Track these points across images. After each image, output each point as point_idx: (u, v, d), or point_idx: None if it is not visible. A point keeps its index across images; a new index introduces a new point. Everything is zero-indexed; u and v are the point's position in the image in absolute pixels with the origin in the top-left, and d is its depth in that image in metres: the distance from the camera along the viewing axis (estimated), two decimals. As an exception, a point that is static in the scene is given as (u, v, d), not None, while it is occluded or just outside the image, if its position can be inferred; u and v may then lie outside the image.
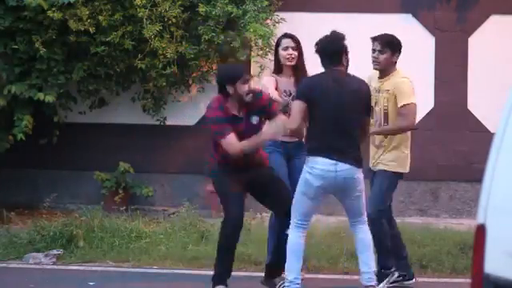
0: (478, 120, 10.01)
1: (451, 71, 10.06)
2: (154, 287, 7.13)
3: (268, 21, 9.63)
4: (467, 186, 10.02)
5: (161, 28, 9.37)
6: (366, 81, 6.31)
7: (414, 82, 6.68)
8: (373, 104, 6.39)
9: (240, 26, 9.42)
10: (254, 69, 9.60)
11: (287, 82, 6.76)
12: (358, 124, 6.03)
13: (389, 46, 6.51)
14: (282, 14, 9.79)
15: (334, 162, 5.84)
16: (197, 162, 10.11)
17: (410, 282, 6.73)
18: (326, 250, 7.81)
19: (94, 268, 7.69)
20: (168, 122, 10.22)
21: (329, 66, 6.04)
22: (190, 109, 10.27)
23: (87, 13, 9.34)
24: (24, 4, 9.22)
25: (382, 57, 6.50)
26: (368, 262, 6.08)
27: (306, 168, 5.96)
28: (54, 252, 7.97)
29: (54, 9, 9.23)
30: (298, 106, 6.00)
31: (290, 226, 6.06)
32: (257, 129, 6.22)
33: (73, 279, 7.25)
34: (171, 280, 7.20)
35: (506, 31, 9.98)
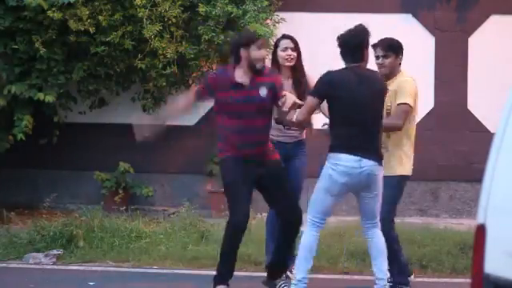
0: (478, 120, 10.02)
1: (451, 71, 10.07)
2: (154, 287, 7.13)
3: (268, 21, 9.63)
4: (467, 186, 10.03)
5: (161, 28, 9.37)
6: None
7: (414, 82, 6.67)
8: None
9: (240, 26, 9.41)
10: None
11: (285, 84, 6.75)
12: (379, 121, 6.02)
13: (391, 49, 6.50)
14: (281, 14, 9.80)
15: (358, 158, 5.79)
16: (197, 162, 10.13)
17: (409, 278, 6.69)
18: (326, 249, 7.80)
19: (94, 268, 7.69)
20: (168, 122, 10.21)
21: (350, 61, 5.96)
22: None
23: (87, 13, 9.34)
24: (24, 4, 9.21)
25: (387, 61, 6.48)
26: (382, 268, 5.99)
27: (328, 165, 5.88)
28: (54, 252, 7.97)
29: (54, 9, 9.23)
30: (310, 101, 5.95)
31: (306, 224, 6.01)
32: (264, 104, 6.13)
33: (73, 279, 7.25)
34: (171, 280, 7.20)
35: (506, 31, 9.99)
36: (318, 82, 6.01)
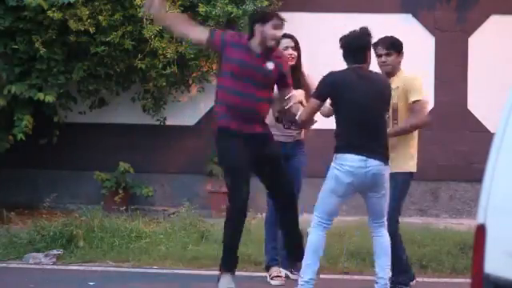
0: (477, 120, 10.02)
1: (451, 71, 10.07)
2: (154, 287, 7.12)
3: (268, 21, 9.62)
4: (467, 186, 10.03)
5: (161, 28, 9.37)
6: None
7: (414, 82, 6.68)
8: None
9: (240, 26, 9.41)
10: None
11: None
12: (384, 120, 6.02)
13: (393, 47, 6.52)
14: (281, 14, 9.77)
15: (363, 158, 5.79)
16: (197, 162, 10.13)
17: (411, 283, 6.70)
18: (325, 250, 7.76)
19: (94, 268, 7.69)
20: (168, 122, 10.23)
21: (352, 62, 5.96)
22: (190, 109, 10.28)
23: (87, 13, 9.34)
24: (24, 4, 9.21)
25: (390, 59, 6.50)
26: (385, 267, 5.99)
27: (333, 165, 5.89)
28: (54, 252, 7.96)
29: (54, 9, 9.22)
30: (312, 103, 5.99)
31: (312, 224, 5.99)
32: (268, 77, 6.18)
33: (73, 279, 7.24)
34: (171, 280, 7.20)
35: (506, 31, 9.99)
36: (320, 83, 6.02)
